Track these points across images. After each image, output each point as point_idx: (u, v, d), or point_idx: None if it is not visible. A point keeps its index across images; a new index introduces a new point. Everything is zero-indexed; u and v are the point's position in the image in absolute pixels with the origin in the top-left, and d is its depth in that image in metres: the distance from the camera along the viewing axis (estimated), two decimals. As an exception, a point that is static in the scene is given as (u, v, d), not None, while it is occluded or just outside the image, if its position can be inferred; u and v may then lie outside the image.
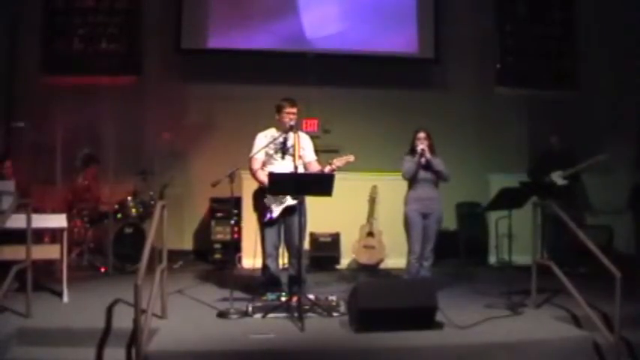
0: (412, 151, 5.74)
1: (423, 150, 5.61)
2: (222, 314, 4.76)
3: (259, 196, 5.34)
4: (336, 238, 7.43)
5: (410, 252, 5.68)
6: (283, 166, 5.29)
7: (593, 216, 8.06)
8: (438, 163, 5.67)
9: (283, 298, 5.01)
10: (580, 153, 7.42)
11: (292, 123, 5.31)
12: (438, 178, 5.70)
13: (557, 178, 7.07)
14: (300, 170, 5.25)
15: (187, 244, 8.28)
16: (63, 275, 5.21)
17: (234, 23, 8.22)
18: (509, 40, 8.68)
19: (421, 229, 5.63)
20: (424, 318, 4.42)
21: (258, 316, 4.70)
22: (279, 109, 5.38)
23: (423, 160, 5.63)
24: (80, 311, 4.78)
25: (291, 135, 5.36)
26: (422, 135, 5.71)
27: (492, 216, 7.28)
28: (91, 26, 8.05)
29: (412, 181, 5.72)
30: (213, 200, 7.61)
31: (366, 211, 7.35)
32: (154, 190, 7.37)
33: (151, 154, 7.93)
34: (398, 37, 8.47)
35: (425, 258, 5.65)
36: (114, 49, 8.07)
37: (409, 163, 5.70)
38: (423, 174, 5.67)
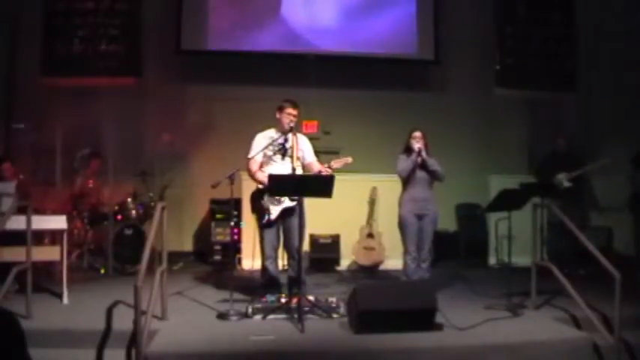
0: (407, 150, 5.74)
1: (420, 149, 5.60)
2: (222, 316, 4.76)
3: (257, 197, 5.34)
4: (335, 240, 7.44)
5: (406, 253, 5.67)
6: (282, 167, 5.28)
7: (597, 217, 8.07)
8: (434, 163, 5.66)
9: (283, 300, 5.01)
10: (580, 154, 7.43)
11: (292, 125, 5.32)
12: (434, 178, 5.70)
13: (563, 179, 7.08)
14: (299, 172, 5.26)
15: (187, 246, 8.28)
16: (63, 276, 5.22)
17: (234, 25, 8.22)
18: (508, 41, 8.67)
19: (416, 230, 5.62)
20: (424, 319, 4.42)
21: (257, 317, 4.71)
22: (280, 109, 5.39)
23: (419, 159, 5.63)
24: (80, 312, 4.79)
25: (290, 136, 5.37)
26: (418, 134, 5.70)
27: (492, 217, 7.28)
28: (90, 27, 8.03)
29: (407, 181, 5.71)
30: (213, 202, 7.60)
31: (366, 212, 7.35)
32: (154, 191, 7.38)
33: (150, 156, 7.95)
34: (398, 38, 8.47)
35: (422, 259, 5.65)
36: (114, 51, 8.05)
37: (405, 162, 5.69)
38: (418, 174, 5.66)
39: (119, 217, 7.12)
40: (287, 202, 5.24)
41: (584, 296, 4.71)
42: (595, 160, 7.22)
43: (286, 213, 5.28)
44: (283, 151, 5.36)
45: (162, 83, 8.23)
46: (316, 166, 5.42)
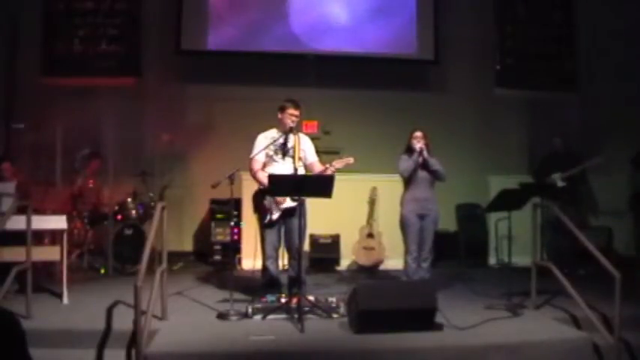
0: (408, 150, 5.74)
1: (421, 149, 5.61)
2: (222, 315, 4.76)
3: (259, 197, 5.34)
4: (335, 240, 7.43)
5: (407, 253, 5.68)
6: (284, 167, 5.28)
7: (597, 218, 8.07)
8: (435, 163, 5.67)
9: (283, 300, 5.01)
10: (580, 154, 7.43)
11: (293, 125, 5.32)
12: (435, 177, 5.70)
13: (557, 179, 7.11)
14: (301, 172, 5.26)
15: (187, 246, 8.27)
16: (63, 276, 5.22)
17: (233, 25, 8.23)
18: (508, 42, 8.68)
19: (418, 229, 5.62)
20: (424, 319, 4.42)
21: (257, 317, 4.70)
22: (282, 110, 5.38)
23: (420, 159, 5.62)
24: (80, 312, 4.78)
25: (291, 136, 5.37)
26: (419, 134, 5.71)
27: (492, 217, 7.29)
28: (90, 27, 8.04)
29: (409, 181, 5.72)
30: (213, 201, 7.60)
31: (366, 212, 7.35)
32: (154, 191, 7.39)
33: (150, 156, 7.96)
34: (398, 38, 8.47)
35: (423, 259, 5.65)
36: (114, 51, 8.06)
37: (407, 162, 5.69)
38: (420, 174, 5.67)
39: (119, 217, 7.12)
40: (288, 202, 5.24)
41: (584, 296, 4.71)
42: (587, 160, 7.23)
43: (288, 213, 5.28)
44: (284, 151, 5.36)
45: (162, 83, 8.22)
46: (318, 167, 5.41)
